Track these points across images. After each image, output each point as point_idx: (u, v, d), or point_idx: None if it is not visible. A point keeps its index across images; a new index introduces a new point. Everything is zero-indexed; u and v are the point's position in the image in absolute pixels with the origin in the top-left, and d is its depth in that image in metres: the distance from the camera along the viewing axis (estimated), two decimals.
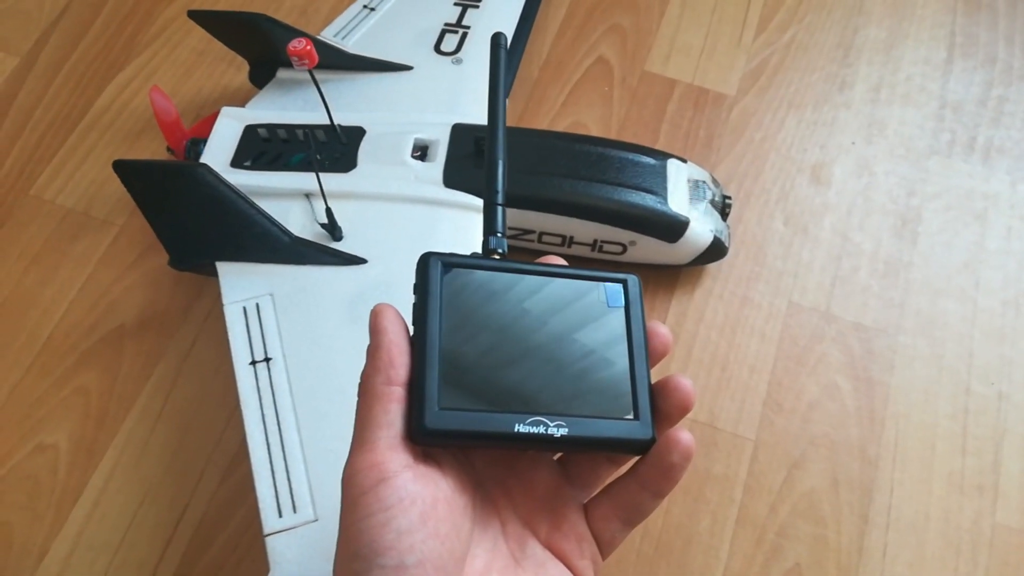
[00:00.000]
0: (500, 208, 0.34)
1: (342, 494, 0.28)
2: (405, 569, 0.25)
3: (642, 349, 0.32)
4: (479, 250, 0.34)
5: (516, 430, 0.29)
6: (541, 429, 0.29)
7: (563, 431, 0.29)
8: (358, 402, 0.29)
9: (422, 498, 0.27)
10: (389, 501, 0.26)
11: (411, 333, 0.30)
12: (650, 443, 0.31)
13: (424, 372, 0.29)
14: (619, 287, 0.33)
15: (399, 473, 0.27)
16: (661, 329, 0.33)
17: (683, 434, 0.30)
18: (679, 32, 0.72)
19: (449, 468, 0.30)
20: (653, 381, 0.32)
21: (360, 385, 0.29)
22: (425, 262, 0.31)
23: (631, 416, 0.31)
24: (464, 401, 0.29)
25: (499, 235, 0.34)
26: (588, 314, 0.32)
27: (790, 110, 0.68)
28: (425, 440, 0.28)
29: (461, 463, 0.31)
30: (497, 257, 0.33)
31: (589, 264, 0.55)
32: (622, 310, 0.33)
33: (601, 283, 0.33)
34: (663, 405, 0.31)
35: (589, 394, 0.31)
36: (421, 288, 0.31)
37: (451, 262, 0.31)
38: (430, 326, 0.30)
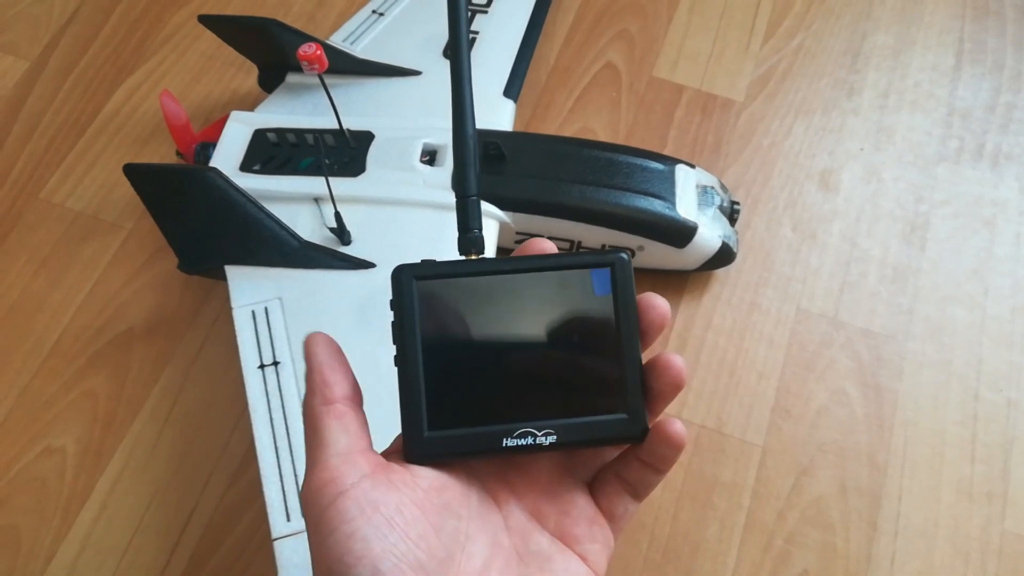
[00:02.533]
0: (475, 201, 0.32)
1: (305, 519, 0.28)
2: (381, 575, 0.25)
3: (633, 334, 0.31)
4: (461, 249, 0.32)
5: (504, 445, 0.29)
6: (529, 440, 0.29)
7: (551, 439, 0.29)
8: (304, 428, 0.29)
9: (384, 503, 0.27)
10: (351, 513, 0.26)
11: (395, 353, 0.30)
12: (643, 435, 0.30)
13: (410, 395, 0.29)
14: (606, 272, 0.31)
15: (356, 484, 0.27)
16: (657, 301, 0.31)
17: (673, 425, 0.29)
18: (687, 38, 0.72)
19: (425, 470, 0.29)
20: (645, 360, 0.31)
21: (303, 413, 0.30)
22: (398, 277, 0.30)
23: (622, 413, 0.30)
24: (453, 419, 0.29)
25: (476, 232, 0.32)
26: (574, 307, 0.31)
27: (798, 116, 0.68)
28: (420, 462, 0.29)
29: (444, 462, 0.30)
30: (475, 257, 0.32)
31: None
32: (610, 297, 0.31)
33: (587, 270, 0.31)
34: (655, 384, 0.30)
35: (578, 394, 0.30)
36: (397, 305, 0.30)
37: (424, 273, 0.30)
38: (410, 345, 0.29)
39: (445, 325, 0.30)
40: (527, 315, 0.31)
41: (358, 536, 0.26)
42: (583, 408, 0.30)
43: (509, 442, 0.29)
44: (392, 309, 0.30)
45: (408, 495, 0.28)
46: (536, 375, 0.30)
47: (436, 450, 0.29)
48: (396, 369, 0.30)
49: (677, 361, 0.30)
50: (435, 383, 0.29)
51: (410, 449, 0.29)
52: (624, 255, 0.31)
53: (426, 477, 0.29)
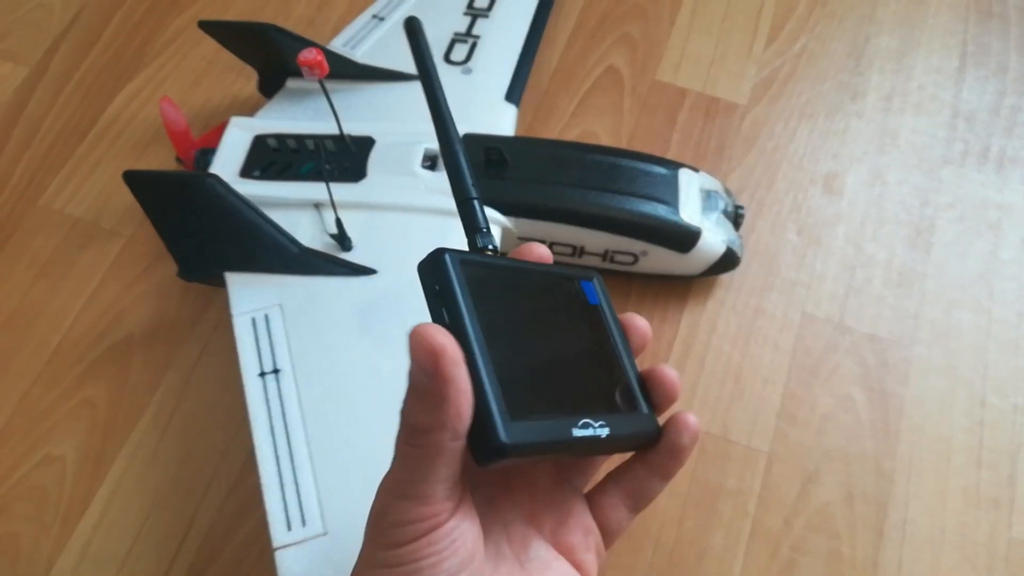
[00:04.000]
0: (477, 202, 0.32)
1: (376, 538, 0.27)
2: None
3: (625, 343, 0.32)
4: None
5: (573, 435, 0.27)
6: (590, 432, 0.27)
7: (605, 431, 0.28)
8: (413, 451, 0.26)
9: (472, 535, 0.27)
10: (441, 545, 0.26)
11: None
12: (659, 434, 0.31)
13: (481, 383, 0.25)
14: (592, 284, 0.33)
15: (450, 519, 0.26)
16: (638, 321, 0.32)
17: (689, 416, 0.31)
18: (689, 41, 0.72)
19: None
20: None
21: (417, 434, 0.26)
22: (439, 259, 0.27)
23: (644, 410, 0.31)
24: (523, 410, 0.26)
25: (484, 231, 0.31)
26: (579, 311, 0.32)
27: (802, 119, 0.68)
28: (498, 459, 0.25)
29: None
30: (490, 254, 0.31)
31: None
32: (600, 307, 0.32)
33: (577, 280, 0.33)
34: (650, 396, 0.32)
35: (606, 391, 0.30)
36: (444, 287, 0.27)
37: (465, 259, 0.28)
38: (469, 330, 0.26)
39: (488, 312, 0.27)
40: (547, 313, 0.31)
41: (442, 568, 0.26)
42: (614, 405, 0.30)
43: (576, 432, 0.27)
44: (427, 292, 0.27)
45: (478, 520, 0.28)
46: (576, 371, 0.30)
47: (519, 439, 0.25)
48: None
49: (671, 374, 0.32)
50: (499, 371, 0.26)
51: (493, 442, 0.25)
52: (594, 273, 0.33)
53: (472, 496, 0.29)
